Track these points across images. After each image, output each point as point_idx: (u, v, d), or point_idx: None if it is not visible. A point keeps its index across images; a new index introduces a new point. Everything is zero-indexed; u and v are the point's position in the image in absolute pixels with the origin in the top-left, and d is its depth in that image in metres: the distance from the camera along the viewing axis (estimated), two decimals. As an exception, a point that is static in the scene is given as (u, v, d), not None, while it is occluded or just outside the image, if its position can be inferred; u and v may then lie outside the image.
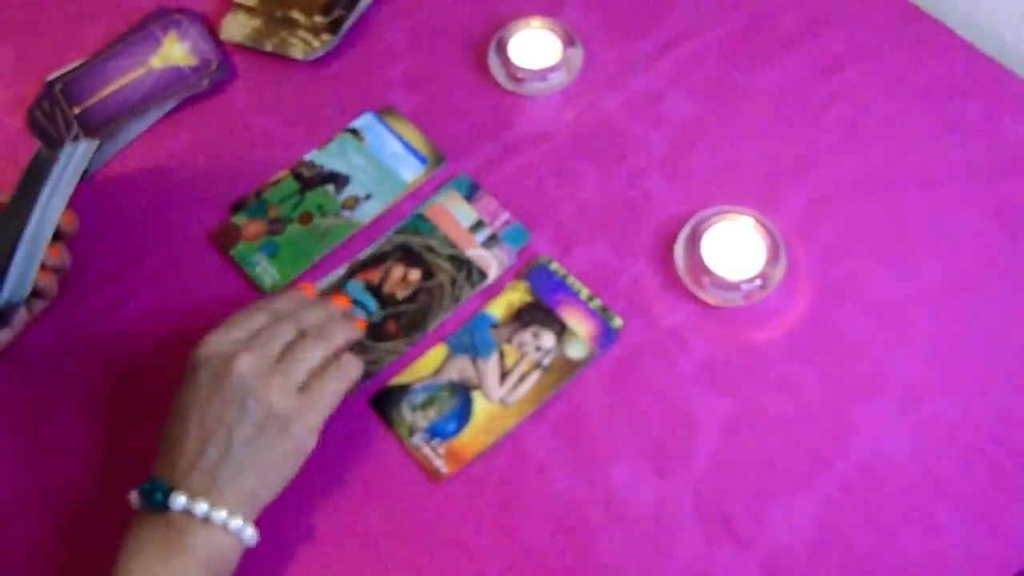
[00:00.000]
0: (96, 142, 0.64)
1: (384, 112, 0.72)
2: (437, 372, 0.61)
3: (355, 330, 0.57)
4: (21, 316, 0.62)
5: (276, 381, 0.52)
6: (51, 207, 0.59)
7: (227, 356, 0.52)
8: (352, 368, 0.56)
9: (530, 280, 0.64)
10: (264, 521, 0.54)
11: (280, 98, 0.74)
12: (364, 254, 0.66)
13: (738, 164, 0.68)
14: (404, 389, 0.61)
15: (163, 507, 0.49)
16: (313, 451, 0.59)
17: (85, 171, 0.71)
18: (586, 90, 0.72)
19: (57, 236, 0.62)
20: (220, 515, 0.49)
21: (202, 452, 0.50)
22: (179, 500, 0.48)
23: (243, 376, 0.51)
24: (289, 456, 0.52)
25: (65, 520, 0.58)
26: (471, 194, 0.67)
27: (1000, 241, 0.63)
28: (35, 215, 0.58)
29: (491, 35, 0.73)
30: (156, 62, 0.75)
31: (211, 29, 0.77)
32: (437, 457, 0.58)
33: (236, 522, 0.50)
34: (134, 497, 0.50)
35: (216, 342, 0.53)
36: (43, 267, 0.61)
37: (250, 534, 0.50)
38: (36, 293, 0.61)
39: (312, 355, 0.54)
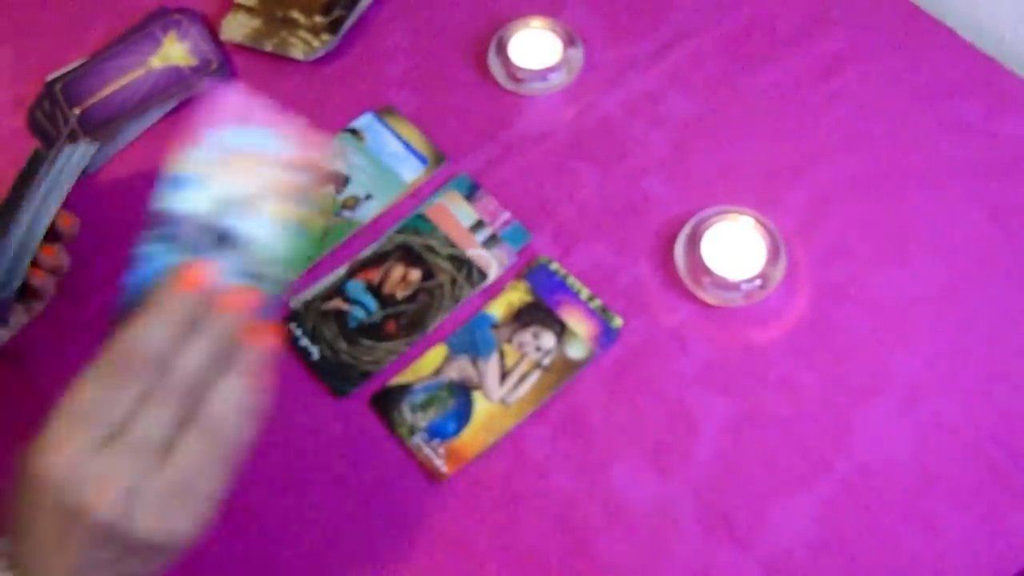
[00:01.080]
0: (95, 145, 0.64)
1: (384, 112, 0.72)
2: (437, 372, 0.61)
3: (243, 360, 0.41)
4: (18, 316, 0.62)
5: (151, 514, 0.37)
6: (45, 207, 0.59)
7: (78, 495, 0.37)
8: (223, 417, 0.40)
9: (530, 280, 0.64)
10: (264, 521, 0.54)
11: (280, 98, 0.73)
12: (364, 254, 0.66)
13: (738, 164, 0.68)
14: (404, 389, 0.61)
15: None
16: (312, 451, 0.59)
17: (84, 170, 0.71)
18: (586, 90, 0.72)
19: (56, 238, 0.61)
20: None
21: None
22: None
23: (104, 526, 0.37)
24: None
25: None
26: (471, 194, 0.67)
27: (1000, 241, 0.63)
28: (27, 214, 0.58)
29: (491, 35, 0.73)
30: (156, 62, 0.75)
31: (211, 29, 0.77)
32: (437, 457, 0.58)
33: None
34: None
35: (63, 462, 0.37)
36: (39, 268, 0.61)
37: None
38: (33, 293, 0.61)
39: (156, 427, 0.38)
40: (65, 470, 0.38)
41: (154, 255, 0.44)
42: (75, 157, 0.61)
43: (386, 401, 0.60)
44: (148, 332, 0.40)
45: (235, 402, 0.40)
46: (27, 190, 0.59)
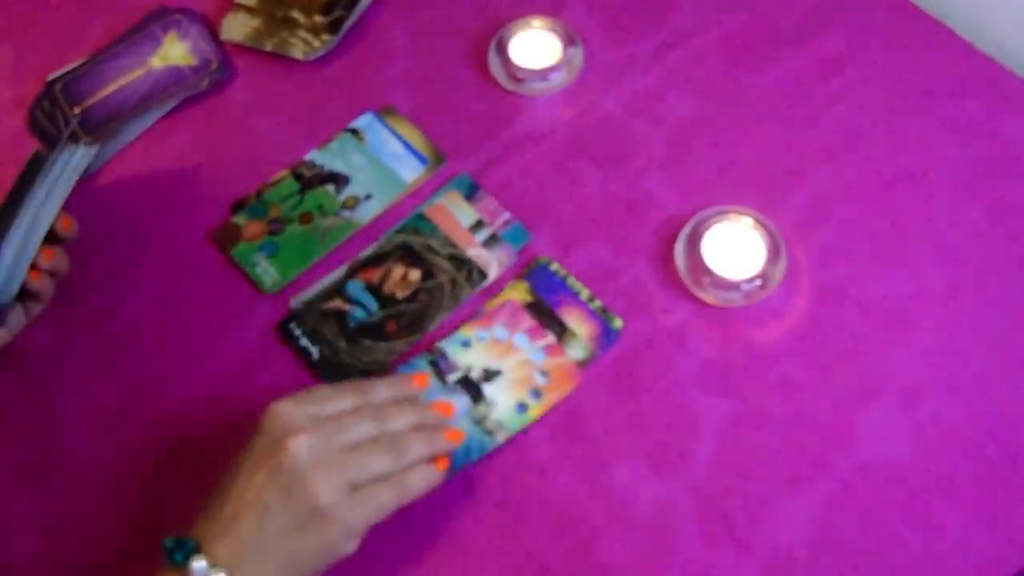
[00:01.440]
0: (96, 146, 0.64)
1: (384, 112, 0.72)
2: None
3: (441, 443, 0.54)
4: (17, 318, 0.61)
5: (329, 475, 0.48)
6: (44, 209, 0.59)
7: (290, 430, 0.49)
8: (415, 482, 0.52)
9: (530, 280, 0.64)
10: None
11: (280, 98, 0.74)
12: (364, 254, 0.66)
13: (738, 164, 0.68)
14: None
15: (182, 564, 0.47)
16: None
17: (84, 171, 0.71)
18: (586, 90, 0.72)
19: (55, 239, 0.61)
20: None
21: (236, 522, 0.48)
22: (200, 565, 0.47)
23: (297, 459, 0.48)
24: (321, 556, 0.49)
25: (65, 521, 0.58)
26: (471, 194, 0.67)
27: (1000, 241, 0.63)
28: (25, 216, 0.58)
29: (491, 35, 0.73)
30: (156, 62, 0.75)
31: (211, 29, 0.77)
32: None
33: None
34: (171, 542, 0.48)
35: (287, 411, 0.50)
36: (38, 269, 0.60)
37: None
38: (31, 295, 0.61)
39: (377, 463, 0.50)
40: (285, 415, 0.50)
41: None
42: (75, 159, 0.61)
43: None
44: (375, 387, 0.54)
45: (429, 450, 0.53)
46: (26, 192, 0.58)
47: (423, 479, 0.52)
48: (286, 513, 0.48)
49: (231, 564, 0.47)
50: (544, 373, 0.60)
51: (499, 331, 0.62)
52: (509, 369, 0.60)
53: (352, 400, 0.52)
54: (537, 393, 0.59)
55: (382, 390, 0.54)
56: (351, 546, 0.50)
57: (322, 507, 0.48)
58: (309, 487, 0.48)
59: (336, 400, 0.52)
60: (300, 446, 0.48)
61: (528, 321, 0.62)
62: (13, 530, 0.58)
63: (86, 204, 0.70)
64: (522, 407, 0.59)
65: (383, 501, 0.50)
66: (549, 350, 0.61)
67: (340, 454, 0.49)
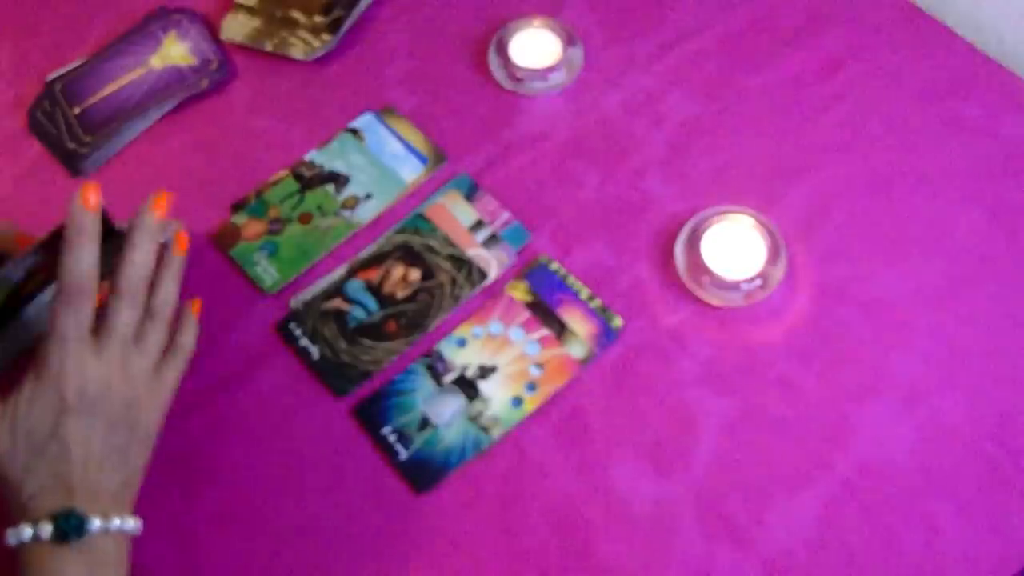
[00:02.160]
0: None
1: (384, 112, 0.72)
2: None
3: (174, 264, 0.57)
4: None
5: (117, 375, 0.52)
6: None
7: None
8: (188, 338, 0.57)
9: (530, 280, 0.64)
10: (264, 521, 0.54)
11: (280, 98, 0.74)
12: (364, 254, 0.66)
13: (738, 164, 0.68)
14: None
15: (79, 535, 0.47)
16: (311, 449, 0.59)
17: (79, 170, 0.71)
18: (586, 90, 0.72)
19: None
20: (129, 524, 0.49)
21: (86, 464, 0.49)
22: (95, 522, 0.47)
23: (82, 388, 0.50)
24: (149, 429, 0.53)
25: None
26: (471, 194, 0.67)
27: (1000, 241, 0.63)
28: (35, 310, 0.56)
29: (491, 35, 0.73)
30: (156, 62, 0.75)
31: (211, 29, 0.77)
32: (437, 457, 0.59)
33: (135, 523, 0.50)
34: (28, 532, 0.47)
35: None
36: None
37: (134, 525, 0.50)
38: None
39: (152, 341, 0.55)
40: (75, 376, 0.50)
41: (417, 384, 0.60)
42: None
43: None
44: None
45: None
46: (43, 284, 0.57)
47: (190, 329, 0.58)
48: (99, 430, 0.50)
49: (107, 505, 0.49)
50: (539, 365, 0.60)
51: (495, 326, 0.62)
52: (505, 364, 0.60)
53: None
54: (532, 386, 0.59)
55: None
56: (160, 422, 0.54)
57: (129, 401, 0.51)
58: (110, 397, 0.51)
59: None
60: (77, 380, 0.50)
61: (524, 314, 0.62)
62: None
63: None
64: (517, 401, 0.59)
65: (174, 371, 0.55)
66: (544, 342, 0.61)
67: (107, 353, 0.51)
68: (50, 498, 0.48)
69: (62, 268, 0.50)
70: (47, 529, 0.47)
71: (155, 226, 0.54)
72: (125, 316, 0.52)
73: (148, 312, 0.55)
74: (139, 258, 0.53)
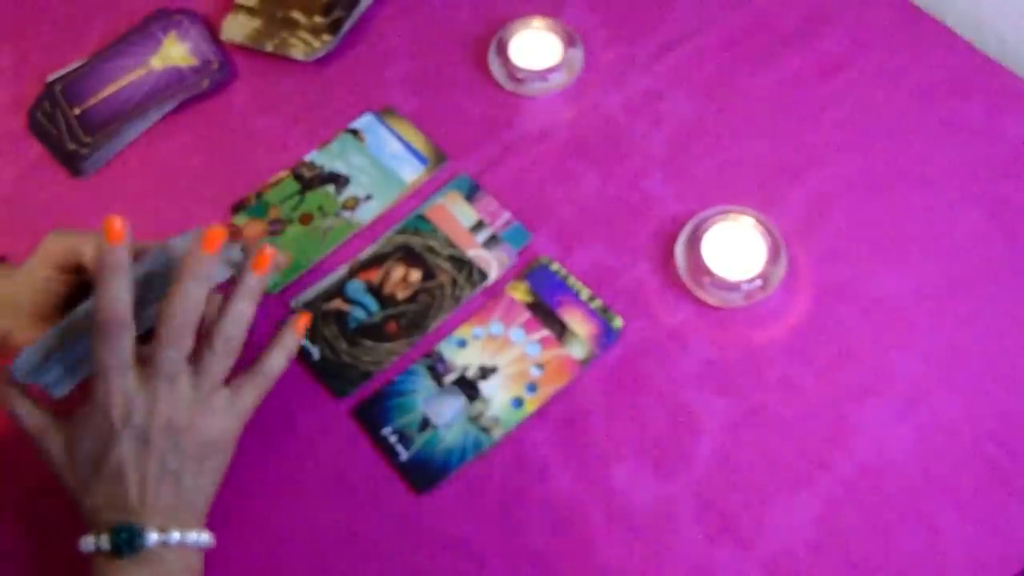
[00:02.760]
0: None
1: (384, 112, 0.72)
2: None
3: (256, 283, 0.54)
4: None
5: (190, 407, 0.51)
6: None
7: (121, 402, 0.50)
8: (282, 350, 0.55)
9: (530, 280, 0.64)
10: (264, 522, 0.54)
11: (280, 98, 0.74)
12: (364, 255, 0.66)
13: (738, 164, 0.68)
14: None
15: (133, 549, 0.48)
16: (312, 450, 0.59)
17: (78, 170, 0.71)
18: (586, 90, 0.72)
19: None
20: (191, 537, 0.50)
21: (143, 485, 0.50)
22: (152, 536, 0.49)
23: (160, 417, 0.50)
24: (216, 450, 0.53)
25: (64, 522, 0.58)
26: (471, 194, 0.67)
27: (1000, 241, 0.63)
28: (81, 309, 0.53)
29: (491, 35, 0.73)
30: (156, 63, 0.75)
31: (211, 30, 0.77)
32: (438, 457, 0.59)
33: (200, 536, 0.51)
34: (91, 542, 0.49)
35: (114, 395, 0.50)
36: None
37: (207, 539, 0.51)
38: None
39: (218, 367, 0.53)
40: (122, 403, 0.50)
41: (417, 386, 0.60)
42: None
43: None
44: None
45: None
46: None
47: (280, 353, 0.55)
48: (171, 456, 0.50)
49: (168, 519, 0.50)
50: (540, 366, 0.60)
51: (495, 327, 0.62)
52: (505, 365, 0.60)
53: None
54: (533, 387, 0.59)
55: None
56: (234, 442, 0.54)
57: (189, 432, 0.51)
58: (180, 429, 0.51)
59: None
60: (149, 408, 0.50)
61: (525, 314, 0.62)
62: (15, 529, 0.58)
63: (86, 204, 0.70)
64: (518, 402, 0.59)
65: (249, 401, 0.54)
66: (545, 342, 0.61)
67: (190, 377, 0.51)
68: (108, 513, 0.49)
69: (96, 304, 0.50)
70: (106, 541, 0.48)
71: (206, 269, 0.51)
72: (169, 353, 0.51)
73: (209, 340, 0.52)
74: (183, 304, 0.51)
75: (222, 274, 0.55)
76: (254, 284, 0.54)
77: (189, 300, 0.51)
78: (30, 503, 0.59)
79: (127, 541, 0.48)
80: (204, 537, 0.51)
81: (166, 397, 0.50)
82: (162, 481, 0.50)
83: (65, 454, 0.51)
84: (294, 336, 0.56)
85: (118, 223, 0.51)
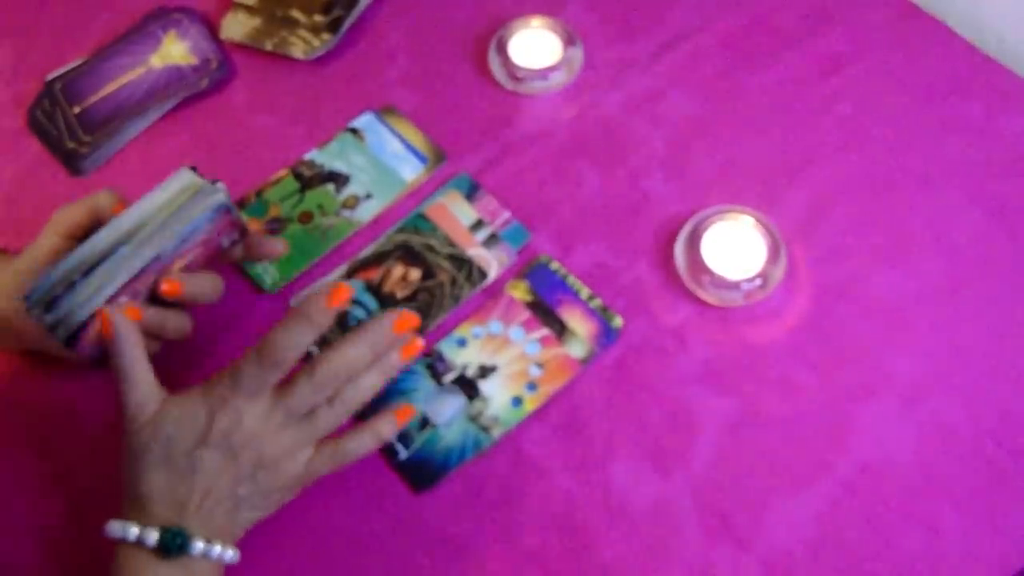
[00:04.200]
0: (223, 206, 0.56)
1: (384, 111, 0.72)
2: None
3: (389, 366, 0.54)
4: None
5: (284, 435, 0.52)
6: (150, 239, 0.52)
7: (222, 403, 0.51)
8: (373, 436, 0.54)
9: (530, 280, 0.64)
10: (261, 522, 0.54)
11: (280, 97, 0.74)
12: (364, 253, 0.66)
13: (738, 164, 0.68)
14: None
15: (180, 553, 0.48)
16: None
17: (77, 169, 0.71)
18: (586, 90, 0.72)
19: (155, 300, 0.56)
20: (228, 554, 0.50)
21: (206, 495, 0.50)
22: (198, 545, 0.49)
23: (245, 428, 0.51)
24: (282, 494, 0.53)
25: (62, 522, 0.58)
26: (471, 193, 0.67)
27: (1000, 241, 0.63)
28: (102, 236, 0.52)
29: (491, 35, 0.73)
30: (156, 61, 0.75)
31: (211, 28, 0.77)
32: (437, 457, 0.59)
33: (230, 554, 0.51)
34: (134, 532, 0.48)
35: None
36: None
37: (233, 555, 0.51)
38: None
39: (324, 423, 0.53)
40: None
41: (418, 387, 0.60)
42: (209, 202, 0.54)
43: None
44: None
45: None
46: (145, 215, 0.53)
47: (387, 427, 0.54)
48: (234, 471, 0.50)
49: (214, 532, 0.50)
50: (540, 365, 0.60)
51: (495, 326, 0.62)
52: (505, 364, 0.60)
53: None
54: (533, 386, 0.59)
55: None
56: (306, 480, 0.53)
57: (270, 459, 0.51)
58: (258, 448, 0.51)
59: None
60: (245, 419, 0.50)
61: (524, 313, 0.62)
62: (17, 531, 0.58)
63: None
64: (518, 401, 0.59)
65: (324, 469, 0.53)
66: (545, 341, 0.61)
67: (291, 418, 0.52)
68: (163, 509, 0.49)
69: (275, 336, 0.50)
70: (153, 537, 0.48)
71: (321, 321, 0.51)
72: (306, 398, 0.51)
73: (336, 396, 0.52)
74: (351, 356, 0.52)
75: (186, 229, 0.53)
76: (393, 362, 0.54)
77: (357, 355, 0.52)
78: (54, 482, 0.59)
79: (178, 545, 0.48)
80: (229, 553, 0.51)
81: (273, 431, 0.51)
82: (226, 500, 0.50)
83: (151, 429, 0.50)
84: (392, 426, 0.55)
85: (344, 297, 0.52)
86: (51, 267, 0.51)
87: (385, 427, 0.55)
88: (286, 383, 0.51)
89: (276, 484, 0.52)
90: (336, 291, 0.51)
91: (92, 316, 0.52)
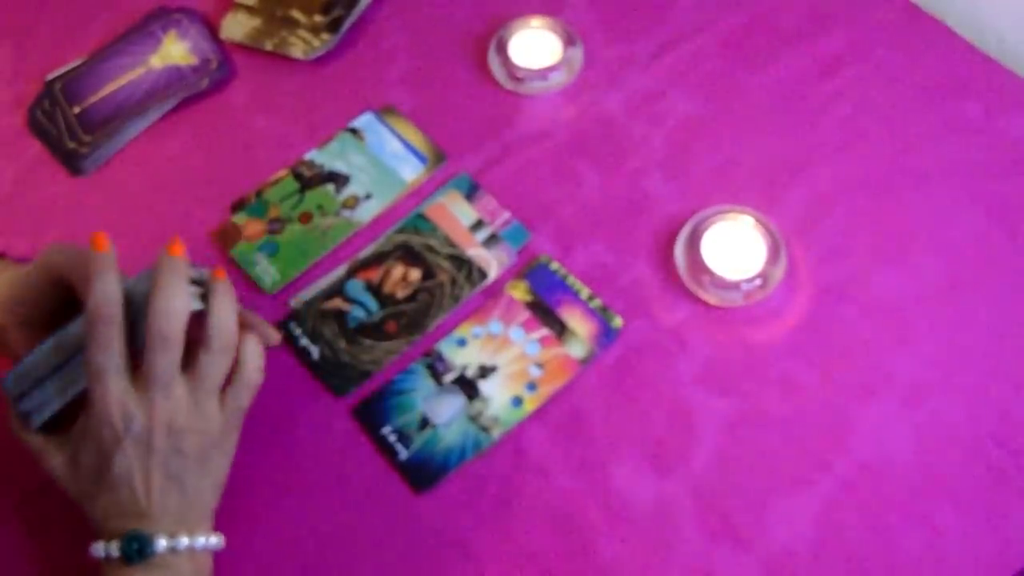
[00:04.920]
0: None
1: (384, 111, 0.72)
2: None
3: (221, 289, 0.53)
4: None
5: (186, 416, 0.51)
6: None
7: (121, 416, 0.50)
8: (252, 356, 0.54)
9: (530, 280, 0.64)
10: (264, 522, 0.54)
11: (280, 98, 0.74)
12: (364, 254, 0.66)
13: (738, 164, 0.68)
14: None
15: (142, 556, 0.49)
16: (311, 449, 0.59)
17: (79, 170, 0.71)
18: (586, 90, 0.72)
19: None
20: (199, 540, 0.50)
21: (147, 491, 0.50)
22: (161, 543, 0.49)
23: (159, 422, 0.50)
24: (218, 452, 0.53)
25: (58, 527, 0.58)
26: (471, 193, 0.67)
27: (1000, 241, 0.63)
28: (73, 327, 0.52)
29: (491, 35, 0.73)
30: (156, 61, 0.75)
31: (211, 28, 0.77)
32: (437, 457, 0.59)
33: (209, 539, 0.51)
34: (101, 549, 0.49)
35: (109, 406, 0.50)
36: None
37: (216, 541, 0.52)
38: None
39: (214, 371, 0.52)
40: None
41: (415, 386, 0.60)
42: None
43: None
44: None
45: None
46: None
47: (249, 360, 0.54)
48: (174, 458, 0.50)
49: (176, 524, 0.50)
50: (540, 365, 0.60)
51: (495, 326, 0.62)
52: (505, 364, 0.60)
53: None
54: (533, 386, 0.59)
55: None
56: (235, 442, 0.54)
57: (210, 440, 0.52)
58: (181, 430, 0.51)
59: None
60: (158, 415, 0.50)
61: (524, 313, 0.62)
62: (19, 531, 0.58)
63: (85, 203, 0.70)
64: (517, 401, 0.59)
65: (243, 398, 0.54)
66: (544, 341, 0.61)
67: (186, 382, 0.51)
68: (116, 521, 0.50)
69: (88, 306, 0.49)
70: (115, 549, 0.49)
71: (180, 271, 0.51)
72: (160, 360, 0.50)
73: (205, 344, 0.51)
74: (167, 308, 0.50)
75: (194, 304, 0.52)
76: (226, 287, 0.53)
77: (172, 304, 0.50)
78: (31, 504, 0.59)
79: (137, 550, 0.48)
80: (213, 540, 0.51)
81: (163, 403, 0.50)
82: (167, 485, 0.50)
83: (68, 468, 0.51)
84: (255, 316, 0.57)
85: (105, 237, 0.51)
86: (35, 351, 0.51)
87: (259, 325, 0.57)
88: (192, 366, 0.51)
89: (203, 444, 0.51)
90: (171, 244, 0.52)
91: (67, 403, 0.52)
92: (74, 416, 0.52)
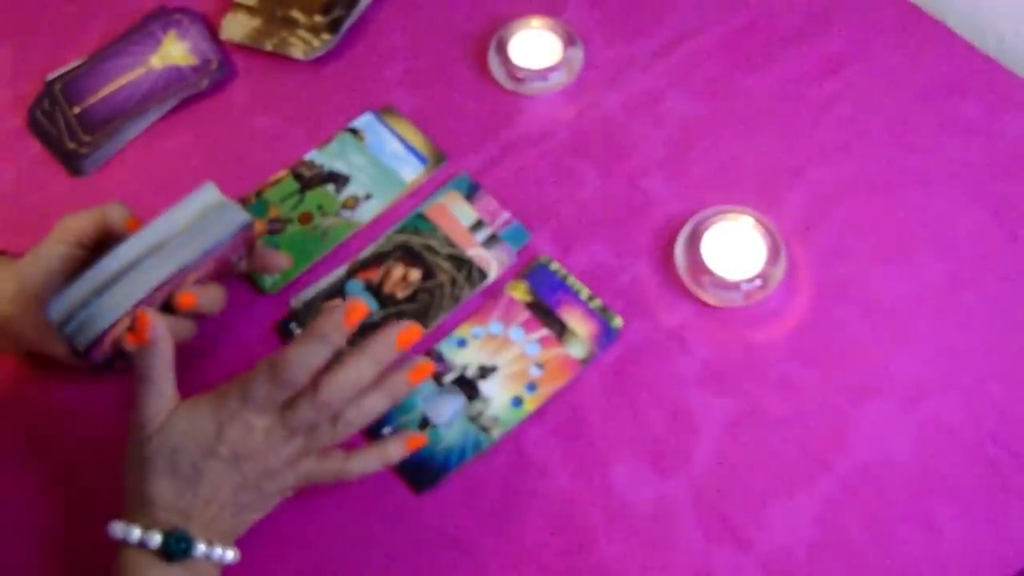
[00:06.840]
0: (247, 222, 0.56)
1: (384, 112, 0.72)
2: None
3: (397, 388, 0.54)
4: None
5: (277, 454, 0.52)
6: (165, 259, 0.52)
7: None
8: (380, 458, 0.55)
9: (530, 280, 0.64)
10: (263, 522, 0.54)
11: (280, 98, 0.74)
12: (364, 254, 0.66)
13: (738, 164, 0.68)
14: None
15: (183, 556, 0.49)
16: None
17: (78, 168, 0.71)
18: (586, 90, 0.72)
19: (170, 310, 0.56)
20: (228, 555, 0.51)
21: (210, 502, 0.51)
22: (200, 548, 0.49)
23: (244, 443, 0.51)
24: (282, 496, 0.54)
25: (61, 522, 0.58)
26: (471, 194, 0.67)
27: (1000, 241, 0.63)
28: (122, 250, 0.52)
29: (491, 35, 0.73)
30: (156, 62, 0.75)
31: (211, 29, 0.77)
32: (437, 457, 0.58)
33: (227, 553, 0.51)
34: (136, 535, 0.49)
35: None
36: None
37: (233, 556, 0.52)
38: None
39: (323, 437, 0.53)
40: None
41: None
42: (235, 220, 0.54)
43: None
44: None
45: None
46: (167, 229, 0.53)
47: (363, 461, 0.55)
48: (236, 477, 0.51)
49: (217, 535, 0.51)
50: (540, 365, 0.60)
51: (495, 326, 0.62)
52: (505, 364, 0.60)
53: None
54: (533, 386, 0.59)
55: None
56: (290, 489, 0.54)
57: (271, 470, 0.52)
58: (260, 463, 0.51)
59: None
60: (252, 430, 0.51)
61: (524, 314, 0.62)
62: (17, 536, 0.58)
63: (84, 203, 0.70)
64: (518, 401, 0.59)
65: (321, 479, 0.54)
66: (544, 342, 0.61)
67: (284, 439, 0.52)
68: (167, 514, 0.49)
69: (290, 354, 0.50)
70: (156, 540, 0.48)
71: (336, 339, 0.51)
72: (308, 418, 0.51)
73: (336, 417, 0.52)
74: (354, 375, 0.51)
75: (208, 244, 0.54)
76: (401, 386, 0.54)
77: (358, 376, 0.51)
78: (55, 483, 0.59)
79: (182, 549, 0.48)
80: (230, 554, 0.51)
81: (277, 443, 0.51)
82: (229, 507, 0.51)
83: (159, 437, 0.50)
84: (401, 451, 0.56)
85: (361, 311, 0.52)
86: (77, 277, 0.51)
87: (393, 451, 0.55)
88: (291, 399, 0.51)
89: (276, 489, 0.53)
90: (352, 309, 0.51)
91: (113, 325, 0.52)
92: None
